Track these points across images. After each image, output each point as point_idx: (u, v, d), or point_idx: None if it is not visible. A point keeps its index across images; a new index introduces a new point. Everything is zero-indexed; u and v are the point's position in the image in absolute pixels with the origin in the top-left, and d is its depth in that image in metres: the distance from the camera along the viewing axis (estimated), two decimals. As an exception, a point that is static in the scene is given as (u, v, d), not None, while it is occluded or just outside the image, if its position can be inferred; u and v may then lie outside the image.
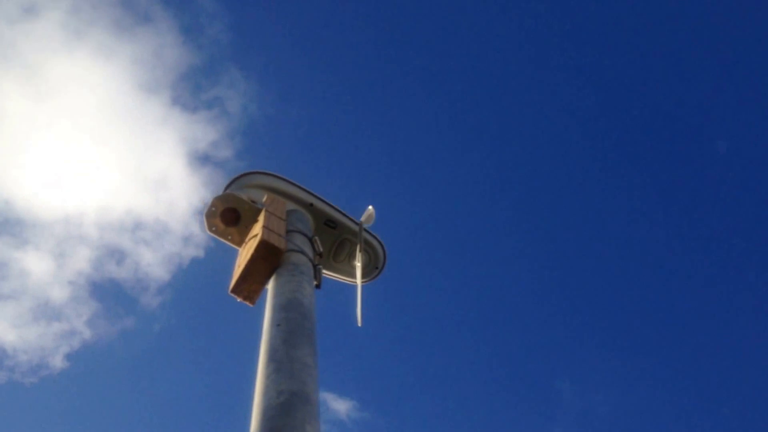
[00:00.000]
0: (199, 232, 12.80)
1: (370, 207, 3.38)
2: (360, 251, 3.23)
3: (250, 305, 2.67)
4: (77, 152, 13.55)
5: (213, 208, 3.01)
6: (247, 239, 2.90)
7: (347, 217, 3.29)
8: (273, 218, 2.84)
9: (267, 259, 2.62)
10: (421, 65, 13.44)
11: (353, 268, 3.28)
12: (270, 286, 2.55)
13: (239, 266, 2.72)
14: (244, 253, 2.80)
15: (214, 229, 3.02)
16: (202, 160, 13.47)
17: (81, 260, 13.10)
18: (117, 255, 13.21)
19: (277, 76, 13.81)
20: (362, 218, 3.30)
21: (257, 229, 2.77)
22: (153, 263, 13.03)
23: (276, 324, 2.24)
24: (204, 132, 13.03)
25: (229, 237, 3.02)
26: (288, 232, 2.83)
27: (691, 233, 12.46)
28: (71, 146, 13.41)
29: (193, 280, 13.28)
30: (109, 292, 13.57)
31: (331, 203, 3.30)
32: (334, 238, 3.23)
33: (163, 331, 13.57)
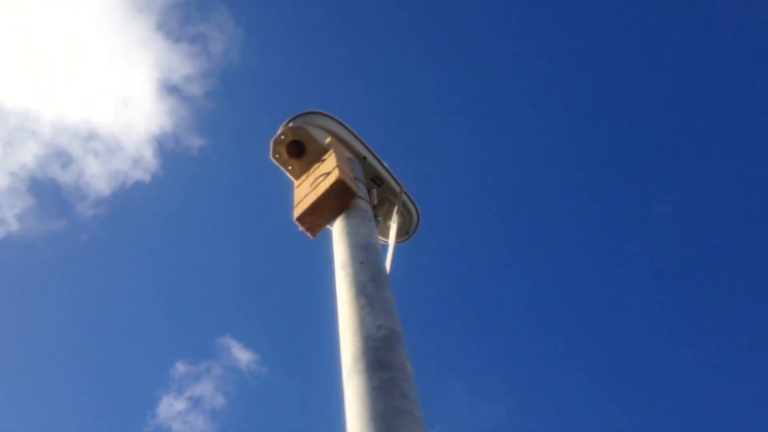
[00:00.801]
0: (151, 158, 12.54)
1: None
2: (397, 213, 3.35)
3: (311, 237, 2.77)
4: (54, 51, 13.10)
5: (282, 137, 3.07)
6: (310, 173, 2.98)
7: (392, 176, 3.40)
8: (342, 161, 2.93)
9: (340, 199, 2.71)
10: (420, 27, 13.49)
11: (386, 227, 3.40)
12: (340, 225, 2.64)
13: (306, 197, 2.80)
14: (307, 187, 2.88)
15: (277, 156, 3.08)
16: (171, 90, 13.22)
17: (28, 154, 12.69)
18: (64, 158, 12.87)
19: (266, 28, 13.65)
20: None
21: (328, 168, 2.86)
22: (97, 175, 12.74)
23: (359, 261, 2.35)
24: (181, 64, 12.80)
25: (289, 168, 3.10)
26: (353, 179, 2.93)
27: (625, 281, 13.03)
28: (50, 44, 12.95)
29: (132, 201, 13.06)
30: (47, 192, 13.20)
31: (381, 159, 3.40)
32: (376, 195, 3.34)
33: (90, 243, 13.28)
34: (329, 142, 3.15)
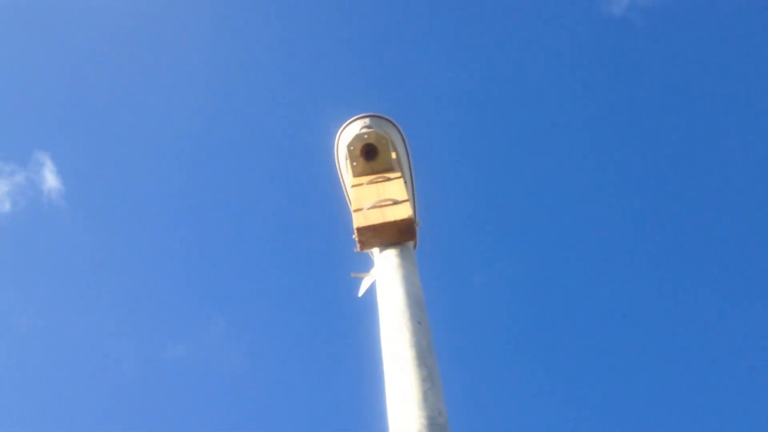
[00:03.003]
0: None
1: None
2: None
3: (356, 250, 2.75)
4: None
5: (365, 135, 3.03)
6: (372, 183, 2.95)
7: (414, 201, 3.42)
8: (410, 194, 2.95)
9: (402, 235, 2.71)
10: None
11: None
12: (393, 261, 2.62)
13: (370, 211, 2.75)
14: (370, 198, 2.83)
15: (351, 148, 3.04)
16: None
17: None
18: None
19: None
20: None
21: (398, 195, 2.82)
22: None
23: (417, 321, 2.38)
24: None
25: (354, 164, 3.05)
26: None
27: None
28: None
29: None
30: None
31: (414, 183, 3.41)
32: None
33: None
34: (395, 159, 3.15)
